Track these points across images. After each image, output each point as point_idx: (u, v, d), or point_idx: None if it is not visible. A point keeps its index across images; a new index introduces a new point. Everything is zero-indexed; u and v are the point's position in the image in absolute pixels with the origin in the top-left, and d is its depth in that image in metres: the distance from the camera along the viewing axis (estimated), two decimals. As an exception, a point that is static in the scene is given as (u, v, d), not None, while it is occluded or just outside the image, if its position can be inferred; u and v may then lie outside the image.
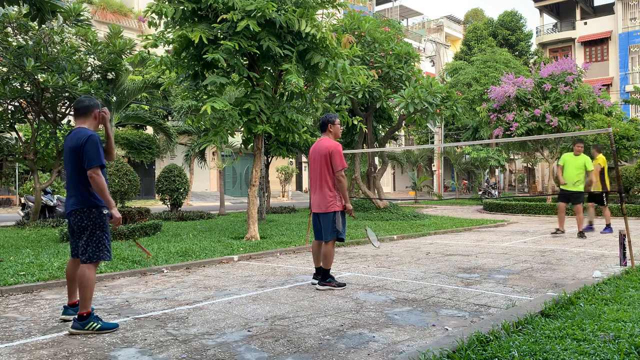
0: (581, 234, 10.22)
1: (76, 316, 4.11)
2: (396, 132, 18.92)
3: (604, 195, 10.75)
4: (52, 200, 14.01)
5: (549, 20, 41.34)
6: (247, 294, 5.42)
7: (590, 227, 11.00)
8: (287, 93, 10.08)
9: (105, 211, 4.29)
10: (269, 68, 9.81)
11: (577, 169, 10.16)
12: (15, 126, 13.86)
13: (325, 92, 13.02)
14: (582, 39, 36.94)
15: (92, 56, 12.87)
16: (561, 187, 10.46)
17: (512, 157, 32.97)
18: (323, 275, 5.65)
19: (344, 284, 5.73)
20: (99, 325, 4.06)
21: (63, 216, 13.85)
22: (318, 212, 5.72)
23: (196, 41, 8.15)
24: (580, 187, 10.19)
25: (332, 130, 5.84)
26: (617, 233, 6.98)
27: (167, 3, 8.73)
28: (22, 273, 6.25)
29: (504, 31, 37.72)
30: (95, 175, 4.09)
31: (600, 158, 10.90)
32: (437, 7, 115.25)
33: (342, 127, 6.31)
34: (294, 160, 34.24)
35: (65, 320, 4.41)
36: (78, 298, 4.50)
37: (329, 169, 5.62)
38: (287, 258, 8.11)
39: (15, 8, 10.86)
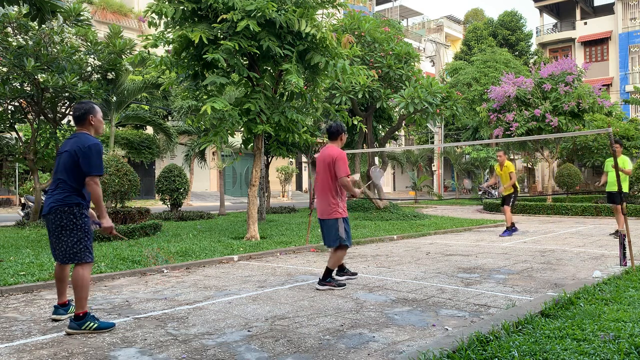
0: (616, 233, 10.28)
1: (72, 316, 4.11)
2: (396, 132, 18.91)
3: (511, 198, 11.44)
4: (52, 200, 13.97)
5: (549, 20, 41.34)
6: (247, 294, 5.42)
7: (514, 229, 11.29)
8: (287, 93, 10.08)
9: (98, 223, 4.34)
10: (269, 68, 9.81)
11: (613, 170, 10.16)
12: (15, 126, 13.85)
13: (325, 92, 13.01)
14: (582, 39, 36.93)
15: (92, 56, 12.86)
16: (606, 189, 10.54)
17: (512, 157, 32.97)
18: (324, 275, 5.67)
19: (344, 284, 5.75)
20: (95, 325, 4.06)
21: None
22: (321, 218, 5.82)
23: (196, 41, 8.15)
24: (614, 188, 10.09)
25: (342, 139, 5.93)
26: (618, 233, 6.98)
27: (167, 3, 8.73)
28: (22, 273, 6.25)
29: (504, 31, 37.71)
30: (94, 183, 4.13)
31: (510, 165, 11.30)
32: (437, 7, 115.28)
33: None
34: (294, 160, 34.24)
35: (55, 320, 4.42)
36: (68, 298, 4.51)
37: (332, 176, 5.65)
38: (287, 258, 8.11)
39: (15, 8, 10.85)
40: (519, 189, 11.60)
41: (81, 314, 4.06)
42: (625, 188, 10.17)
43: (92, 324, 4.06)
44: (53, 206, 4.12)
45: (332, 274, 5.80)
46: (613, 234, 10.54)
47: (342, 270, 6.24)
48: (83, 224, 4.17)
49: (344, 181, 5.59)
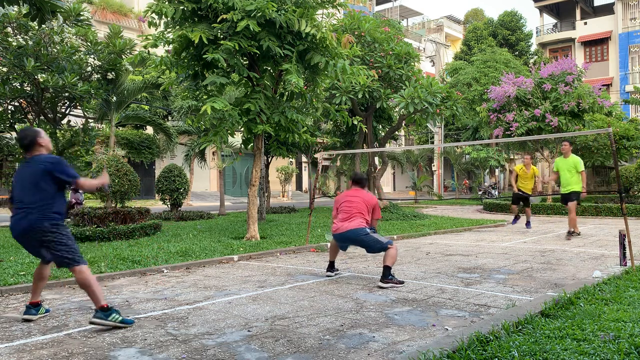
0: (570, 233, 10.30)
1: (96, 307, 4.20)
2: (396, 132, 18.91)
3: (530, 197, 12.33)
4: (52, 200, 14.00)
5: (549, 20, 41.32)
6: (247, 294, 5.42)
7: (526, 224, 12.21)
8: (287, 93, 10.07)
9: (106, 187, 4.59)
10: (269, 68, 9.81)
11: (569, 171, 10.23)
12: (15, 126, 13.84)
13: (325, 92, 13.01)
14: (582, 39, 36.91)
15: (92, 56, 12.85)
16: (561, 191, 10.60)
17: (512, 157, 32.98)
18: (384, 273, 5.81)
19: (403, 282, 5.91)
20: (120, 318, 4.19)
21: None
22: (351, 228, 6.05)
23: (196, 41, 8.15)
24: (576, 187, 10.18)
25: (365, 189, 6.58)
26: (618, 233, 6.98)
27: (167, 3, 8.73)
28: (22, 273, 6.26)
29: (504, 31, 37.70)
30: (82, 184, 4.39)
31: (535, 169, 12.20)
32: (437, 7, 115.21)
33: None
34: (294, 160, 34.23)
35: (27, 320, 4.44)
36: (40, 298, 4.60)
37: (369, 213, 6.24)
38: (287, 258, 8.11)
39: (15, 8, 10.86)
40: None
41: (105, 306, 4.17)
42: (578, 188, 10.33)
43: (117, 316, 4.18)
44: (34, 226, 4.21)
45: (391, 271, 5.90)
46: (570, 233, 10.40)
47: (331, 267, 6.49)
48: (66, 232, 4.35)
49: (378, 221, 6.59)
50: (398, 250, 8.69)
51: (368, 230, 6.08)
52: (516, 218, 12.34)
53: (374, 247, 6.06)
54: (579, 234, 10.59)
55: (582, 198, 10.44)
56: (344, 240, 6.24)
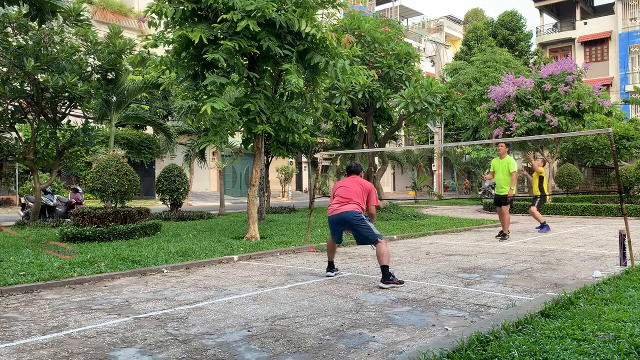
0: (503, 236, 10.27)
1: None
2: (396, 132, 18.90)
3: (537, 198, 12.13)
4: (52, 200, 14.01)
5: (549, 20, 41.33)
6: (247, 294, 5.42)
7: (544, 227, 11.75)
8: (287, 93, 10.07)
9: None
10: (269, 68, 9.81)
11: (503, 172, 10.25)
12: (15, 126, 13.85)
13: (325, 92, 13.00)
14: (582, 39, 36.92)
15: (92, 56, 12.87)
16: (495, 192, 10.74)
17: (514, 157, 33.00)
18: (384, 274, 5.81)
19: (403, 282, 5.89)
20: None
21: (63, 216, 13.84)
22: (344, 212, 6.07)
23: (196, 41, 8.14)
24: (502, 191, 10.32)
25: (362, 175, 6.64)
26: (618, 233, 6.98)
27: (167, 3, 8.73)
28: (22, 273, 6.26)
29: (504, 31, 37.70)
30: None
31: (542, 170, 11.95)
32: (437, 7, 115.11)
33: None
34: (294, 160, 34.23)
35: None
36: None
37: (364, 200, 6.25)
38: (287, 258, 8.11)
39: (15, 8, 10.86)
40: (545, 190, 12.42)
41: None
42: (507, 191, 10.38)
43: None
44: None
45: (390, 270, 5.89)
46: (498, 236, 10.42)
47: (331, 267, 6.52)
48: None
49: (374, 210, 6.41)
50: (398, 250, 8.71)
51: (363, 216, 6.08)
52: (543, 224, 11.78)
53: (366, 235, 6.02)
54: (507, 237, 10.57)
55: (509, 199, 10.36)
56: (338, 223, 6.20)
